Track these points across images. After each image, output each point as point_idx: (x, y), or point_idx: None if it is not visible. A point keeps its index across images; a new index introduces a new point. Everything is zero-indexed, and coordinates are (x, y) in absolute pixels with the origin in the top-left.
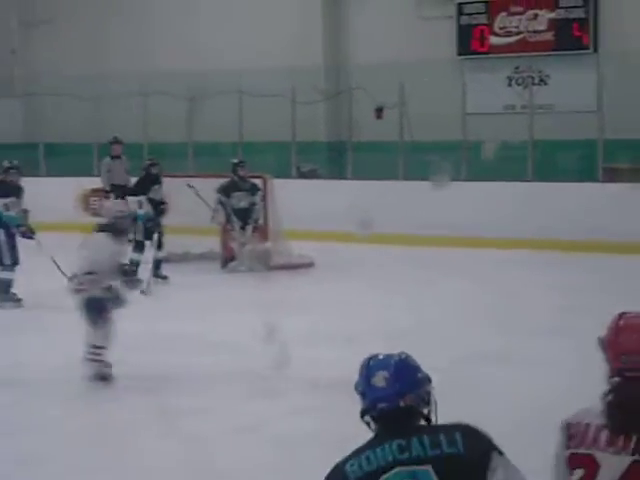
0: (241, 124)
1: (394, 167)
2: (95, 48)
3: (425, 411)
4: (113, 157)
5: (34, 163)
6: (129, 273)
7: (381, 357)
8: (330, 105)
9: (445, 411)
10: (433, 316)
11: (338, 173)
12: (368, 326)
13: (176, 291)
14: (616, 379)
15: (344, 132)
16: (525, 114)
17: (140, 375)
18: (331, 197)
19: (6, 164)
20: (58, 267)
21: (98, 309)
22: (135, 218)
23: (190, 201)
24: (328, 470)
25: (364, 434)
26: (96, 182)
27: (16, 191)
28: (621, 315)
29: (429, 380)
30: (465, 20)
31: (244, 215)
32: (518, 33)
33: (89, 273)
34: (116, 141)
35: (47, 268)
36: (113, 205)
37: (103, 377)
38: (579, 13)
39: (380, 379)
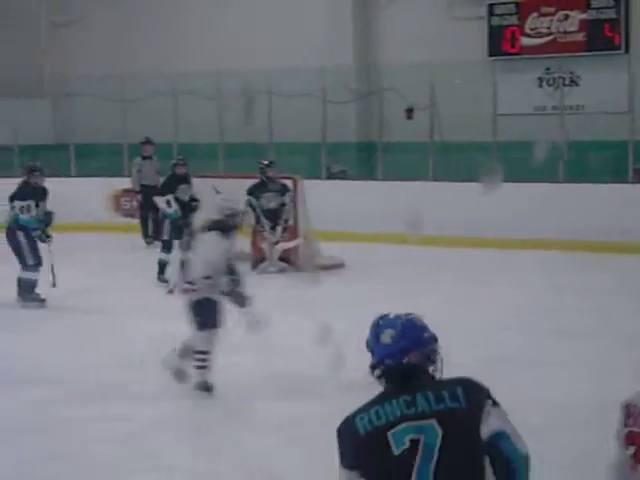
0: (271, 124)
1: (424, 168)
2: (125, 48)
3: (430, 369)
4: (144, 157)
5: (65, 164)
6: (236, 272)
7: (390, 317)
8: (360, 106)
9: None
10: (460, 315)
11: (368, 174)
12: None
13: None
14: None
15: (374, 133)
16: (556, 115)
17: (167, 374)
18: (361, 198)
19: (29, 166)
20: (53, 275)
21: (207, 311)
22: (163, 217)
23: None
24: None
25: None
26: (126, 183)
27: (39, 193)
28: None
29: (435, 340)
30: (496, 21)
31: (274, 216)
32: (549, 34)
33: (206, 277)
34: (147, 141)
35: (70, 269)
36: (222, 202)
37: (206, 388)
38: (610, 14)
39: (387, 336)
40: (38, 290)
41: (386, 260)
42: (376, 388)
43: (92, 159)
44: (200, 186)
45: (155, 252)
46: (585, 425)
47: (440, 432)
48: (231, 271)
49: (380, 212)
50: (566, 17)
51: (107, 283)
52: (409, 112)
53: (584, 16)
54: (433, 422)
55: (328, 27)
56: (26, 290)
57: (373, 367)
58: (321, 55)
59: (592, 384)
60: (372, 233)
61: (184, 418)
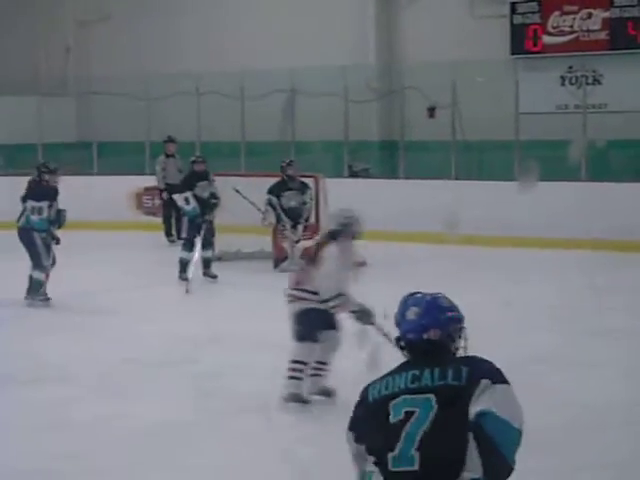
0: (293, 123)
1: (446, 166)
2: (149, 47)
3: (452, 347)
4: (167, 156)
5: (87, 162)
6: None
7: (417, 295)
8: (383, 104)
9: None
10: (489, 315)
11: (390, 172)
12: None
13: (227, 290)
14: None
15: (396, 131)
16: (578, 114)
17: (187, 373)
18: (383, 196)
19: (43, 165)
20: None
21: (312, 323)
22: (182, 215)
23: (240, 200)
24: None
25: None
26: (149, 181)
27: (52, 194)
28: None
29: (459, 320)
30: (518, 19)
31: (294, 214)
32: (572, 32)
33: (339, 295)
34: (170, 140)
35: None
36: (339, 211)
37: (297, 399)
38: (634, 12)
39: (412, 313)
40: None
41: (408, 258)
42: None
43: (114, 157)
44: (221, 184)
45: (178, 250)
46: (623, 425)
47: (435, 406)
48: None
49: (402, 211)
50: (589, 15)
51: (128, 281)
52: (431, 111)
53: (607, 14)
54: (431, 397)
55: (351, 26)
56: (35, 289)
57: (397, 339)
58: (344, 54)
59: (628, 384)
60: (394, 232)
61: (199, 417)
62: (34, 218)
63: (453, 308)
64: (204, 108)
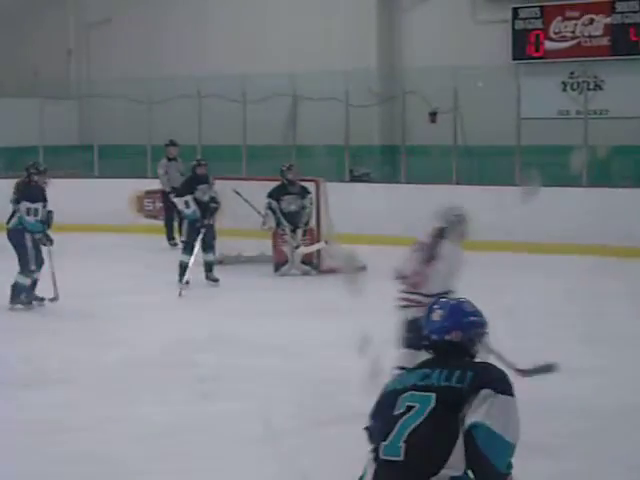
0: (294, 127)
1: (447, 171)
2: (150, 50)
3: (472, 350)
4: (169, 159)
5: (88, 165)
6: None
7: (444, 299)
8: (384, 109)
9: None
10: (490, 320)
11: (391, 177)
12: None
13: (228, 293)
14: None
15: (397, 136)
16: (580, 119)
17: (188, 376)
18: (384, 201)
19: (34, 165)
20: (54, 283)
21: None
22: (182, 218)
23: (241, 204)
24: None
25: None
26: (150, 184)
27: (43, 195)
28: None
29: (481, 325)
30: (520, 25)
31: (294, 219)
32: (573, 38)
33: (446, 292)
34: (172, 143)
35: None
36: (448, 209)
37: None
38: (636, 18)
39: (436, 315)
40: (40, 295)
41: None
42: None
43: (116, 160)
44: (221, 188)
45: (178, 254)
46: None
47: (432, 404)
48: None
49: (403, 215)
50: (591, 21)
51: (128, 284)
52: (433, 116)
53: (609, 20)
54: (432, 396)
55: (352, 31)
56: (18, 293)
57: (423, 339)
58: (345, 59)
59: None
60: (395, 236)
61: (198, 420)
62: (30, 219)
63: (476, 313)
64: (205, 112)
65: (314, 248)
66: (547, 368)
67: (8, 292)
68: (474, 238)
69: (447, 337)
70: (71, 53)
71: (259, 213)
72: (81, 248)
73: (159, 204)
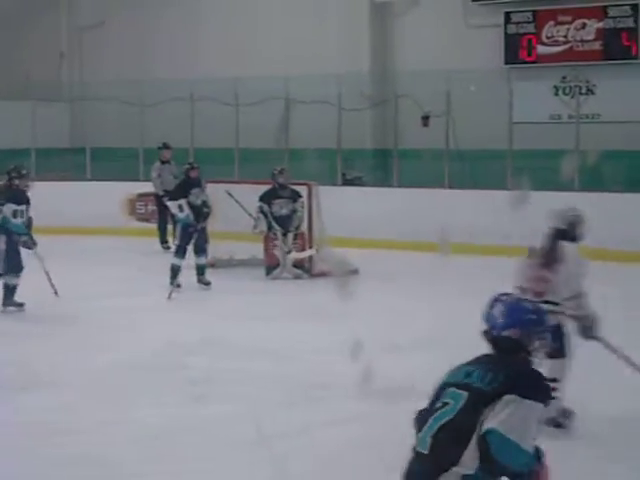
0: (287, 130)
1: (439, 175)
2: (143, 53)
3: (530, 347)
4: (162, 162)
5: (80, 168)
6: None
7: (505, 296)
8: (376, 112)
9: None
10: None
11: (383, 180)
12: (412, 335)
13: (219, 296)
14: None
15: (390, 139)
16: (572, 124)
17: (179, 379)
18: (376, 204)
19: (16, 168)
20: (50, 281)
21: (562, 338)
22: (175, 222)
23: (233, 207)
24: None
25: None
26: (142, 187)
27: (27, 197)
28: None
29: (540, 323)
30: (512, 29)
31: (285, 222)
32: (566, 42)
33: (574, 297)
34: (166, 146)
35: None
36: (566, 210)
37: (554, 423)
38: (628, 23)
39: (497, 311)
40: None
41: (401, 267)
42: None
43: (108, 163)
44: (213, 191)
45: (171, 257)
46: None
47: (463, 404)
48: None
49: (395, 219)
50: (583, 26)
51: (120, 287)
52: (425, 119)
53: (601, 25)
54: (465, 395)
55: (344, 34)
56: (9, 295)
57: (484, 333)
58: (337, 62)
59: None
60: (387, 240)
61: (190, 422)
62: (16, 221)
63: (536, 311)
64: (198, 114)
65: (305, 254)
66: None
67: None
68: (465, 241)
69: (506, 333)
70: (64, 56)
71: (250, 215)
72: (73, 251)
73: (151, 207)
